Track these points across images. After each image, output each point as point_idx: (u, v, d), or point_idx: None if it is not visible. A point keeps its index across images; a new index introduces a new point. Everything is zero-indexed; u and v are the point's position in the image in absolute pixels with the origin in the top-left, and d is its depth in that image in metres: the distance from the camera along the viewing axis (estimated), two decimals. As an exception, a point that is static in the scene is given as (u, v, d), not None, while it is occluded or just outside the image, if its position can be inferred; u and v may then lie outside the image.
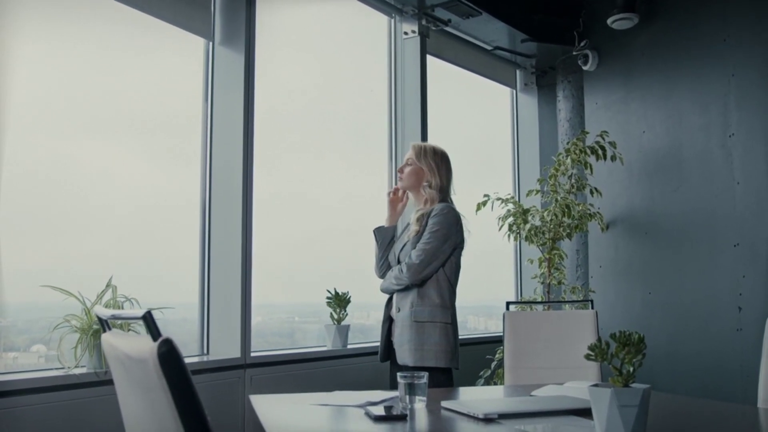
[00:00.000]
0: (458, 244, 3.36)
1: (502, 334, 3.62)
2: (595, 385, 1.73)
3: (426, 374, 2.20)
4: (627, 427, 1.66)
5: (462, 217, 3.39)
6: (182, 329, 3.66)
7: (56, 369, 2.87)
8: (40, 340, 3.09)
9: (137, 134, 3.58)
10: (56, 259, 3.21)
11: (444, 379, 3.22)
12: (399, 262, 3.37)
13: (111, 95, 3.45)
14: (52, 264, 3.18)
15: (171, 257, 3.70)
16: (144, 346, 1.18)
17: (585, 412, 2.00)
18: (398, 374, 2.21)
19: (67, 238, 3.28)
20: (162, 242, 3.65)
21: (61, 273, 3.06)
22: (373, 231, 3.54)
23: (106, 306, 2.91)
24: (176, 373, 1.16)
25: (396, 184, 3.63)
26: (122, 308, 2.92)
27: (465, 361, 3.54)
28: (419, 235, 3.30)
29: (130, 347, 1.27)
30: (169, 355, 1.16)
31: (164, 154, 3.72)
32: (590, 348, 1.71)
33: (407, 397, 2.17)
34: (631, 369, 1.71)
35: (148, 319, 1.19)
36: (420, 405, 2.16)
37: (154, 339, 1.17)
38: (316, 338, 4.30)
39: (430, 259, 3.25)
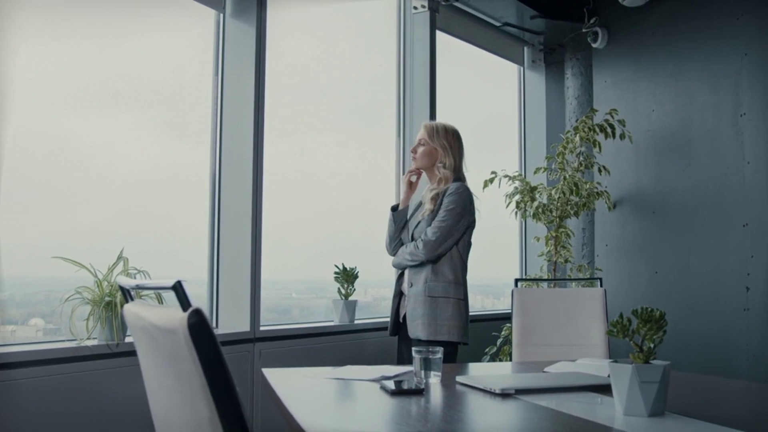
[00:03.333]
0: (471, 223, 3.44)
1: (506, 311, 3.63)
2: (615, 361, 1.73)
3: (441, 349, 2.21)
4: (647, 403, 1.66)
5: (474, 197, 3.45)
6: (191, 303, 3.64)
7: (68, 341, 2.87)
8: (38, 314, 3.09)
9: (147, 107, 3.55)
10: (64, 233, 3.19)
11: (449, 354, 3.28)
12: (413, 239, 3.41)
13: (120, 68, 3.41)
14: (60, 238, 3.16)
15: (180, 232, 3.69)
16: (173, 316, 1.17)
17: (601, 389, 2.01)
18: (413, 349, 2.22)
19: (75, 212, 3.26)
20: (172, 217, 3.64)
21: (68, 246, 3.04)
22: (391, 211, 3.56)
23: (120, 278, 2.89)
24: (206, 343, 1.15)
25: (410, 165, 3.63)
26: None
27: (470, 337, 3.56)
28: (434, 213, 3.36)
29: (158, 317, 1.26)
30: (199, 326, 1.15)
31: (174, 128, 3.70)
32: (612, 324, 1.71)
33: (422, 371, 2.17)
34: (652, 345, 1.71)
35: (179, 289, 1.17)
36: (435, 380, 2.17)
37: (184, 309, 1.16)
38: (315, 314, 4.30)
39: (446, 237, 3.32)
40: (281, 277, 4.20)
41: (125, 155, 3.44)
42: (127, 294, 1.54)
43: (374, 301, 4.66)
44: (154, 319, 1.28)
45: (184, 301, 1.17)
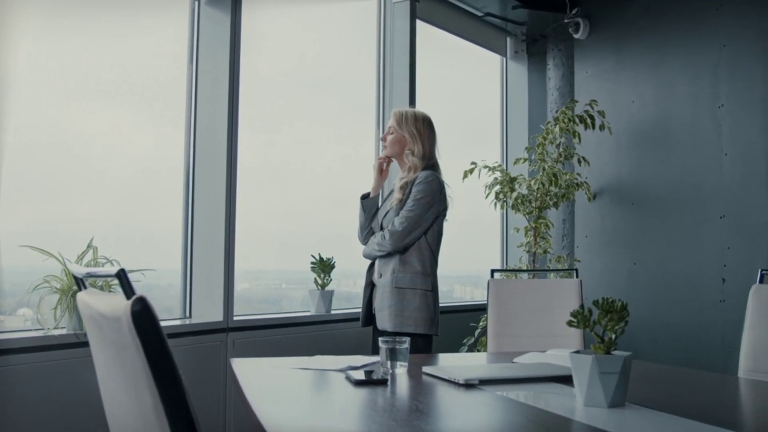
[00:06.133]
0: (441, 212, 3.38)
1: (485, 302, 3.61)
2: (577, 352, 1.72)
3: (408, 339, 2.20)
4: (607, 393, 1.66)
5: (446, 186, 3.40)
6: (166, 293, 3.64)
7: (35, 330, 2.84)
8: (26, 304, 3.07)
9: (121, 97, 3.51)
10: (40, 222, 3.17)
11: (423, 345, 3.26)
12: (382, 228, 3.38)
13: (95, 58, 3.37)
14: (37, 227, 3.14)
15: (155, 221, 3.66)
16: (118, 304, 1.16)
17: (566, 380, 2.00)
18: (379, 339, 2.20)
19: (50, 201, 3.23)
20: (146, 206, 3.61)
21: (45, 236, 3.02)
22: (360, 200, 3.52)
23: (87, 267, 2.87)
24: (150, 331, 1.14)
25: (380, 152, 3.60)
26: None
27: (449, 328, 3.55)
28: (402, 202, 3.31)
29: (104, 305, 1.25)
30: (142, 314, 1.13)
31: (149, 118, 3.66)
32: (572, 314, 1.71)
33: (388, 362, 2.16)
34: (613, 336, 1.70)
35: (122, 277, 1.16)
36: (401, 370, 2.15)
37: (128, 297, 1.15)
38: (302, 304, 4.29)
39: (413, 227, 3.27)
40: (271, 268, 4.20)
41: (99, 145, 3.41)
42: (80, 282, 1.52)
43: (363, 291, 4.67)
44: (100, 307, 1.27)
45: (127, 289, 1.16)
